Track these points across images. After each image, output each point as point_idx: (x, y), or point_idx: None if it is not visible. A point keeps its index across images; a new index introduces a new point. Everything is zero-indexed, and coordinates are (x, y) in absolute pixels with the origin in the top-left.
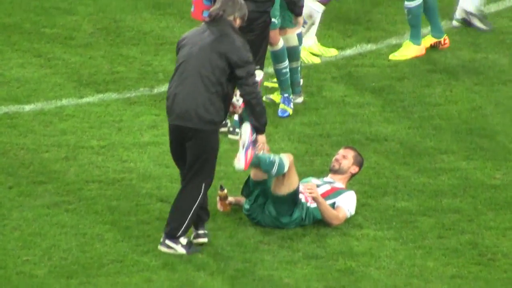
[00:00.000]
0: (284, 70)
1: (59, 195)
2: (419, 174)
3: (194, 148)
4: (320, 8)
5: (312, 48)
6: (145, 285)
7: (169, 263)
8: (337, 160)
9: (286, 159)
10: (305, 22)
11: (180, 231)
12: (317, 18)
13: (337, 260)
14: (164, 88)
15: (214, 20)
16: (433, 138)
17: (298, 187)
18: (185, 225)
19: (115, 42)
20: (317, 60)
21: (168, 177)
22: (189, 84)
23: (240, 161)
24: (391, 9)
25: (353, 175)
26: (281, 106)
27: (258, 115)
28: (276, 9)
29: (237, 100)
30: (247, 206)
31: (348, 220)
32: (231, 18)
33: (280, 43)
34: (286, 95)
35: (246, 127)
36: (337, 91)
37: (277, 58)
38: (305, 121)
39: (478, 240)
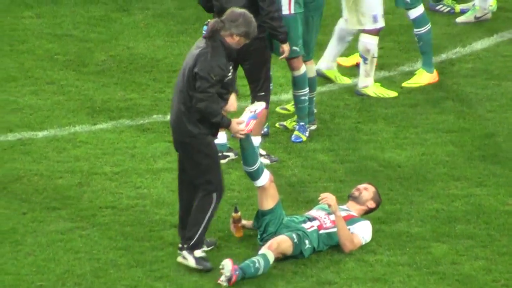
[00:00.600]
0: (302, 97)
1: (73, 221)
2: (433, 200)
3: (185, 161)
4: (375, 40)
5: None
6: None
7: None
8: (358, 189)
9: (267, 250)
10: (365, 59)
11: (193, 242)
12: (375, 51)
13: (351, 285)
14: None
15: (211, 35)
16: (446, 165)
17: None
18: (197, 236)
19: (128, 69)
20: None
21: None
22: (173, 98)
23: (224, 284)
24: (403, 37)
25: (369, 210)
26: (296, 133)
27: (212, 116)
28: (298, 36)
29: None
30: (259, 237)
31: (362, 246)
32: (227, 33)
33: (302, 69)
34: (302, 123)
35: (227, 263)
36: (350, 117)
37: (297, 84)
38: (318, 147)
39: (492, 266)
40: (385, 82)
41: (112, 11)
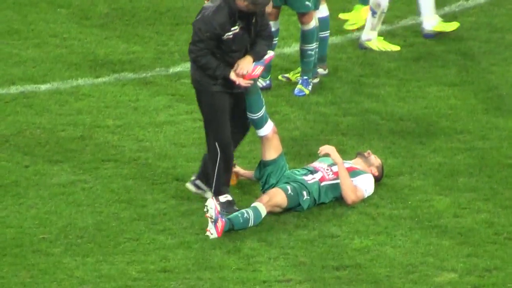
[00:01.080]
0: (309, 52)
1: (75, 174)
2: (435, 153)
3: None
4: None
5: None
6: (161, 263)
7: (185, 241)
8: (368, 152)
9: (258, 203)
10: (374, 13)
11: (213, 189)
12: (386, 7)
13: (353, 239)
14: (179, 68)
15: None
16: (449, 118)
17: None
18: (214, 184)
19: (130, 22)
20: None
21: (184, 156)
22: None
23: (212, 234)
24: None
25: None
26: (299, 86)
27: (204, 69)
28: None
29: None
30: (261, 189)
31: (364, 199)
32: None
33: (312, 24)
34: (305, 77)
35: (211, 202)
36: (353, 71)
37: (306, 38)
38: (321, 100)
39: (494, 219)
40: (387, 36)
41: None
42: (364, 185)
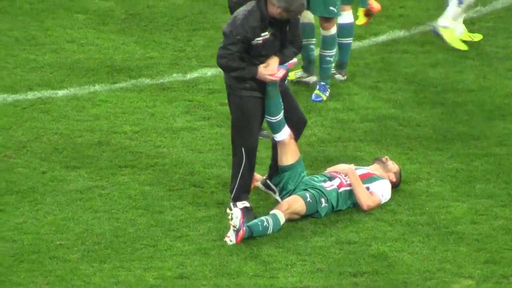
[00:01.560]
0: (328, 58)
1: (92, 180)
2: (452, 159)
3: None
4: None
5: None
6: (178, 269)
7: (202, 248)
8: (386, 158)
9: (277, 211)
10: (460, 2)
11: (233, 195)
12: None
13: (370, 245)
14: (197, 74)
15: None
16: (466, 124)
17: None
18: (235, 189)
19: (148, 28)
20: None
21: (201, 163)
22: None
23: (232, 241)
24: None
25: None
26: (316, 91)
27: (233, 71)
28: None
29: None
30: (278, 195)
31: (381, 206)
32: (271, 1)
33: (333, 29)
34: (323, 83)
35: (237, 212)
36: (370, 77)
37: (325, 44)
38: (338, 106)
39: (511, 226)
40: (405, 41)
41: None
42: (381, 191)
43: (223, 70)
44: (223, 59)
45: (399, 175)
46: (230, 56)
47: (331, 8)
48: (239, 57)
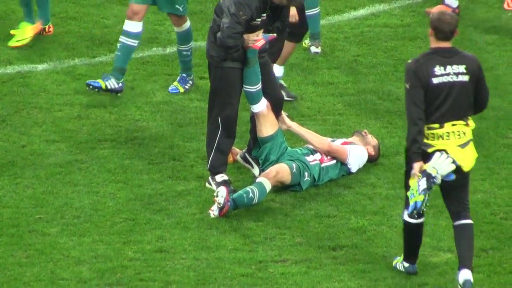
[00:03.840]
0: (185, 52)
1: (71, 154)
2: None
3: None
4: None
5: None
6: (157, 243)
7: (181, 221)
8: (366, 131)
9: (264, 179)
10: None
11: (208, 166)
12: None
13: (349, 219)
14: (176, 48)
15: None
16: None
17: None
18: (210, 159)
19: (127, 2)
20: None
21: (181, 136)
22: None
23: (215, 215)
24: None
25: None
26: (175, 83)
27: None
28: None
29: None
30: (261, 167)
31: (361, 179)
32: None
33: (186, 25)
34: (184, 75)
35: (223, 190)
36: (350, 51)
37: (180, 39)
38: (317, 80)
39: (490, 199)
40: (384, 15)
41: None
42: (352, 149)
43: (227, 49)
44: (231, 39)
45: (378, 149)
46: (237, 35)
47: (177, 6)
48: (242, 37)
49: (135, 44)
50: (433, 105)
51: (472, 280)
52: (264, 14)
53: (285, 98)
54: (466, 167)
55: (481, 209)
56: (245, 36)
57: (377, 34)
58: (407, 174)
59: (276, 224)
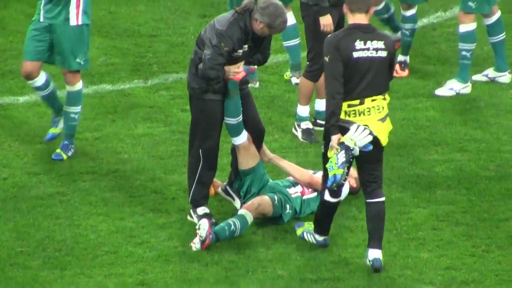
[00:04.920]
0: (72, 115)
1: (53, 187)
2: (413, 165)
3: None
4: None
5: None
6: (139, 276)
7: (163, 254)
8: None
9: (246, 211)
10: None
11: (190, 198)
12: None
13: (331, 251)
14: (158, 80)
15: (241, 12)
16: (427, 130)
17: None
18: (191, 192)
19: (109, 34)
20: None
21: (162, 169)
22: None
23: (196, 248)
24: None
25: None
26: (58, 150)
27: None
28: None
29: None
30: (242, 199)
31: (342, 212)
32: (254, 16)
33: (78, 85)
34: (66, 142)
35: (205, 223)
36: None
37: (70, 100)
38: None
39: (472, 232)
40: None
41: None
42: None
43: (208, 80)
44: (212, 70)
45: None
46: (219, 67)
47: (78, 60)
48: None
49: (50, 91)
50: (354, 80)
51: (381, 258)
52: (246, 46)
53: (303, 140)
54: (384, 141)
55: (462, 241)
56: (226, 68)
57: None
58: (326, 148)
59: (257, 257)
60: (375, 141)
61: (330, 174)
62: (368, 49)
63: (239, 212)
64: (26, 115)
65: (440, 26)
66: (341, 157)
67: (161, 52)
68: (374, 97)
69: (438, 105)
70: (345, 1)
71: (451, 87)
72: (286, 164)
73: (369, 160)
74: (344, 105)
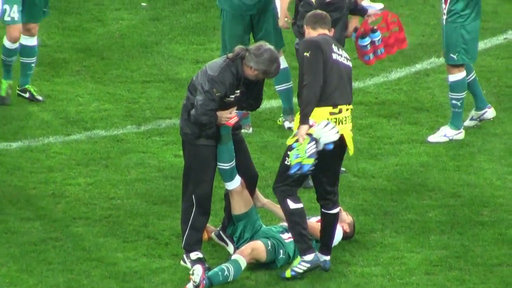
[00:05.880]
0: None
1: (46, 232)
2: (407, 210)
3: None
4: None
5: None
6: None
7: None
8: (341, 209)
9: (239, 256)
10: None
11: (183, 243)
12: None
13: None
14: (151, 125)
15: (233, 58)
16: (420, 175)
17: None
18: (185, 237)
19: (102, 80)
20: None
21: (155, 214)
22: None
23: None
24: None
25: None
26: None
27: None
28: None
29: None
30: (235, 245)
31: (335, 257)
32: (247, 64)
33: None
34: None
35: (199, 268)
36: None
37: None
38: None
39: (465, 277)
40: (359, 92)
41: (87, 21)
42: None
43: (201, 126)
44: (205, 116)
45: (353, 226)
46: (211, 112)
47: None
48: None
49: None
50: (331, 86)
51: (329, 260)
52: (238, 91)
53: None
54: (351, 150)
55: (456, 286)
56: (218, 113)
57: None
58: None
59: None
60: (343, 149)
61: (294, 161)
62: (341, 55)
63: (233, 257)
64: (19, 160)
65: (433, 72)
66: (311, 147)
67: (154, 98)
68: (347, 106)
69: (431, 151)
70: (306, 21)
71: (444, 134)
72: (280, 210)
73: (330, 168)
74: (325, 113)
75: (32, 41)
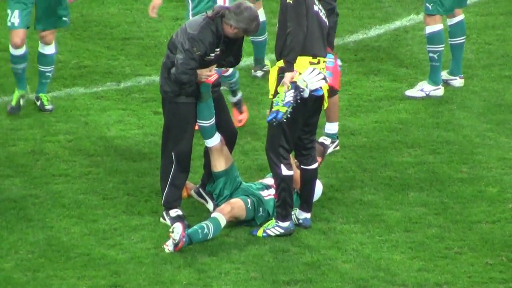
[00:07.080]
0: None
1: (26, 189)
2: (386, 168)
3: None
4: None
5: None
6: (112, 278)
7: (136, 256)
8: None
9: (219, 214)
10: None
11: (163, 201)
12: None
13: (303, 253)
14: (130, 82)
15: (213, 17)
16: (399, 132)
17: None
18: (164, 195)
19: (81, 37)
20: None
21: (135, 171)
22: None
23: (170, 250)
24: (357, 4)
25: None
26: None
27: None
28: None
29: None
30: (215, 202)
31: (315, 214)
32: (227, 22)
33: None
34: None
35: (179, 227)
36: None
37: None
38: None
39: (444, 234)
40: (338, 50)
41: None
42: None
43: (181, 84)
44: (185, 75)
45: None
46: (191, 71)
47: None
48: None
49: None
50: (313, 35)
51: (309, 217)
52: (218, 49)
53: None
54: (326, 104)
55: (435, 243)
56: (198, 71)
57: None
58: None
59: (230, 259)
60: (320, 103)
61: (274, 108)
62: (321, 10)
63: (212, 215)
64: None
65: (412, 29)
66: (289, 95)
67: (133, 55)
68: (324, 59)
69: (410, 108)
70: None
71: (422, 88)
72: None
73: (310, 123)
74: (306, 62)
75: (46, 49)
